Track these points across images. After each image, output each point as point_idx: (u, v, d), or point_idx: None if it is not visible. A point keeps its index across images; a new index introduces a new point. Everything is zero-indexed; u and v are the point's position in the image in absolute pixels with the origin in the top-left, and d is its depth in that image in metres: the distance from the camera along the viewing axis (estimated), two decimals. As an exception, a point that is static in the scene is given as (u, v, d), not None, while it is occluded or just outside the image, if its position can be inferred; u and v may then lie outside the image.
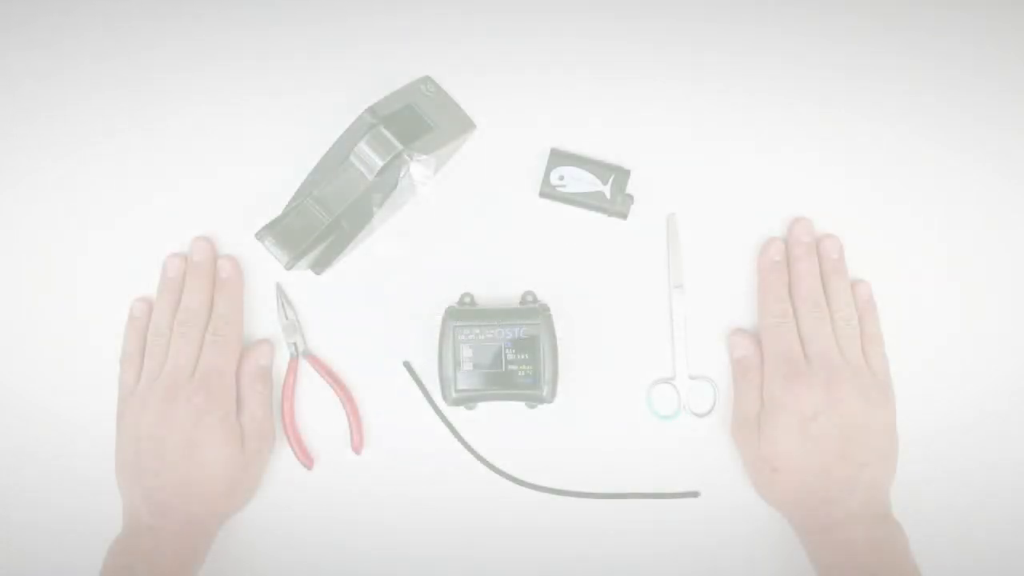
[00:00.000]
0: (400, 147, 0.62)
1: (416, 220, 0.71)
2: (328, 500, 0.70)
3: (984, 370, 0.70)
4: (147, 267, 0.70)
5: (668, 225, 0.71)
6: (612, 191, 0.69)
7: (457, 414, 0.70)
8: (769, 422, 0.66)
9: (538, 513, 0.70)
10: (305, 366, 0.71)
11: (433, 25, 0.71)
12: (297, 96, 0.71)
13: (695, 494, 0.70)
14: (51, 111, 0.72)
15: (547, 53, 0.71)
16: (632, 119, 0.71)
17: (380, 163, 0.62)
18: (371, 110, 0.64)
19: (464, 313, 0.68)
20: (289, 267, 0.63)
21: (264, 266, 0.71)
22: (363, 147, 0.62)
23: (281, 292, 0.71)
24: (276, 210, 0.65)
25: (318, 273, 0.70)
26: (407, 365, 0.71)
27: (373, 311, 0.71)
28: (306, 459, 0.70)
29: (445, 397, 0.67)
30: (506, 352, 0.67)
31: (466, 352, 0.67)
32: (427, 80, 0.69)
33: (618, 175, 0.69)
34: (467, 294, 0.69)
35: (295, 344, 0.70)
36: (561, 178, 0.69)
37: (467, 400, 0.67)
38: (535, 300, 0.69)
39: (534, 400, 0.67)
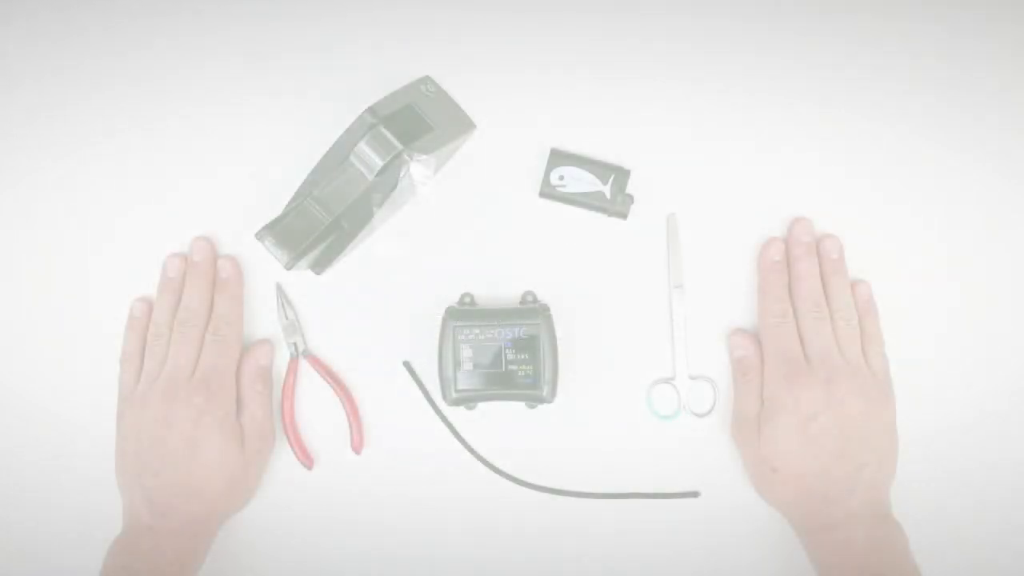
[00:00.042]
0: (400, 147, 0.62)
1: (416, 220, 0.71)
2: (328, 500, 0.70)
3: (984, 370, 0.70)
4: (147, 267, 0.70)
5: (668, 225, 0.71)
6: (612, 191, 0.69)
7: (457, 414, 0.70)
8: (769, 422, 0.66)
9: (538, 513, 0.70)
10: (305, 366, 0.71)
11: (433, 25, 0.71)
12: (297, 96, 0.71)
13: (695, 494, 0.70)
14: (51, 111, 0.72)
15: (547, 53, 0.71)
16: (632, 119, 0.71)
17: (380, 163, 0.62)
18: (371, 110, 0.64)
19: (464, 313, 0.68)
20: (289, 267, 0.63)
21: (264, 266, 0.71)
22: (363, 147, 0.62)
23: (281, 292, 0.71)
24: (276, 210, 0.65)
25: (318, 273, 0.70)
26: (407, 365, 0.71)
27: (373, 311, 0.71)
28: (306, 459, 0.70)
29: (445, 397, 0.67)
30: (506, 352, 0.67)
31: (466, 352, 0.67)
32: (427, 80, 0.69)
33: (618, 175, 0.69)
34: (467, 294, 0.69)
35: (295, 344, 0.70)
36: (561, 178, 0.69)
37: (467, 400, 0.67)
38: (535, 300, 0.69)
39: (534, 400, 0.67)
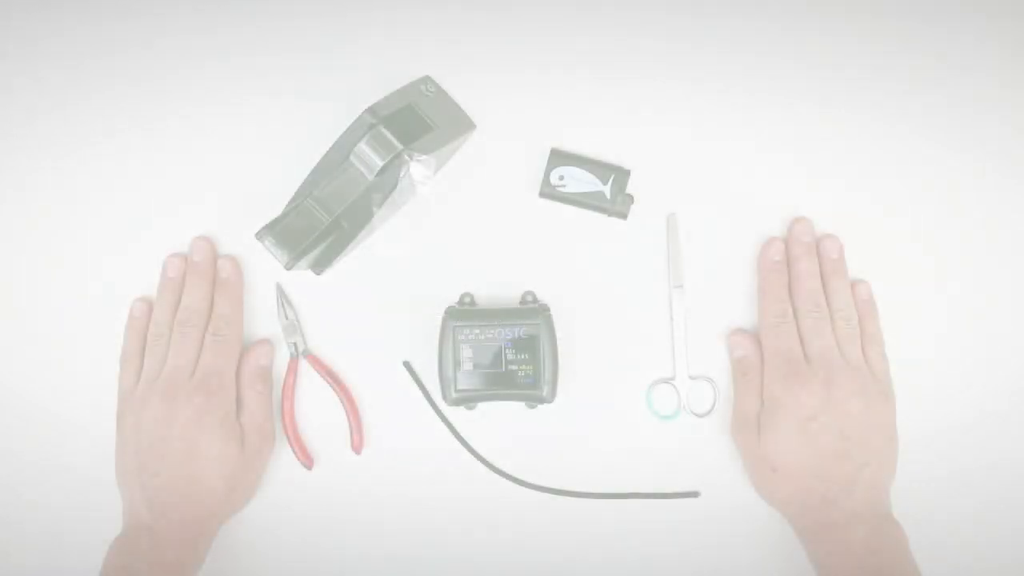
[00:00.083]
0: (400, 147, 0.62)
1: (416, 220, 0.71)
2: (328, 500, 0.70)
3: (984, 370, 0.70)
4: (147, 267, 0.70)
5: (668, 225, 0.71)
6: (612, 191, 0.69)
7: (457, 414, 0.70)
8: (769, 422, 0.66)
9: (538, 513, 0.70)
10: (305, 366, 0.71)
11: (433, 25, 0.71)
12: (297, 96, 0.71)
13: (695, 494, 0.70)
14: (51, 111, 0.72)
15: (547, 53, 0.71)
16: (632, 119, 0.71)
17: (380, 163, 0.62)
18: (371, 110, 0.64)
19: (464, 313, 0.68)
20: (289, 267, 0.63)
21: (264, 266, 0.71)
22: (363, 147, 0.62)
23: (281, 292, 0.71)
24: (276, 210, 0.65)
25: (318, 273, 0.70)
26: (407, 365, 0.71)
27: (373, 311, 0.71)
28: (306, 459, 0.70)
29: (445, 397, 0.67)
30: (506, 352, 0.67)
31: (466, 352, 0.67)
32: (427, 80, 0.69)
33: (618, 175, 0.69)
34: (467, 294, 0.69)
35: (295, 344, 0.70)
36: (561, 178, 0.69)
37: (467, 400, 0.67)
38: (535, 300, 0.69)
39: (534, 400, 0.67)
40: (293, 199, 0.67)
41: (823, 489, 0.64)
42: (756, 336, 0.69)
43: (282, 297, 0.71)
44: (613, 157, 0.70)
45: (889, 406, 0.66)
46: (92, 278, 0.71)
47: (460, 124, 0.70)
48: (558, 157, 0.70)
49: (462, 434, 0.70)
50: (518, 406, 0.69)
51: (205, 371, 0.67)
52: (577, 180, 0.69)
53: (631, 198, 0.70)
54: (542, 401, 0.67)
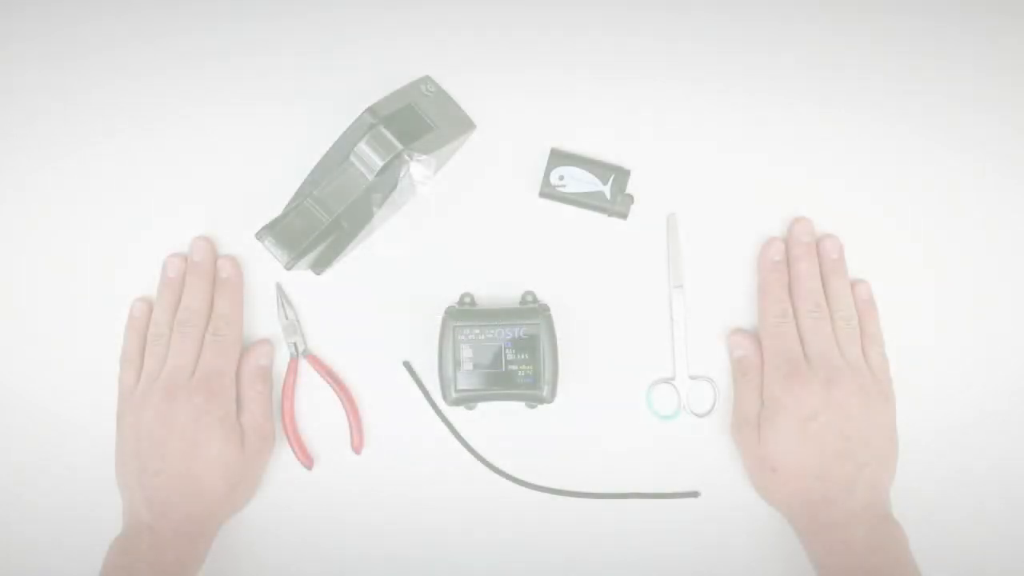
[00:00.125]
0: (400, 147, 0.62)
1: (416, 220, 0.71)
2: (328, 500, 0.70)
3: (984, 370, 0.70)
4: (147, 267, 0.70)
5: (668, 225, 0.71)
6: (612, 191, 0.69)
7: (457, 414, 0.70)
8: (769, 422, 0.66)
9: (538, 513, 0.70)
10: (305, 366, 0.71)
11: (433, 25, 0.71)
12: (297, 96, 0.71)
13: (695, 494, 0.70)
14: (51, 111, 0.72)
15: (547, 53, 0.71)
16: (632, 119, 0.71)
17: (380, 163, 0.62)
18: (371, 110, 0.64)
19: (464, 313, 0.68)
20: (289, 267, 0.63)
21: (264, 266, 0.71)
22: (363, 147, 0.62)
23: (281, 292, 0.71)
24: (276, 210, 0.65)
25: (318, 273, 0.70)
26: (407, 365, 0.71)
27: (373, 311, 0.71)
28: (306, 459, 0.70)
29: (445, 397, 0.67)
30: (506, 352, 0.67)
31: (466, 352, 0.67)
32: (427, 80, 0.69)
33: (618, 175, 0.69)
34: (467, 294, 0.69)
35: (295, 344, 0.70)
36: (561, 178, 0.69)
37: (467, 400, 0.67)
38: (535, 300, 0.69)
39: (534, 400, 0.67)
40: (293, 199, 0.67)
41: (823, 489, 0.64)
42: (756, 336, 0.69)
43: (282, 297, 0.71)
44: (613, 157, 0.70)
45: (889, 406, 0.67)
46: (92, 278, 0.71)
47: (460, 124, 0.70)
48: (558, 157, 0.70)
49: (462, 434, 0.70)
50: (518, 406, 0.69)
51: (205, 371, 0.67)
52: (577, 180, 0.69)
53: (631, 198, 0.70)
54: (542, 401, 0.67)
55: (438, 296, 0.69)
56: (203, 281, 0.69)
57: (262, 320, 0.71)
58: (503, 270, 0.71)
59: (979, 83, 0.71)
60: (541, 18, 0.71)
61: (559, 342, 0.67)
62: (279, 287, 0.71)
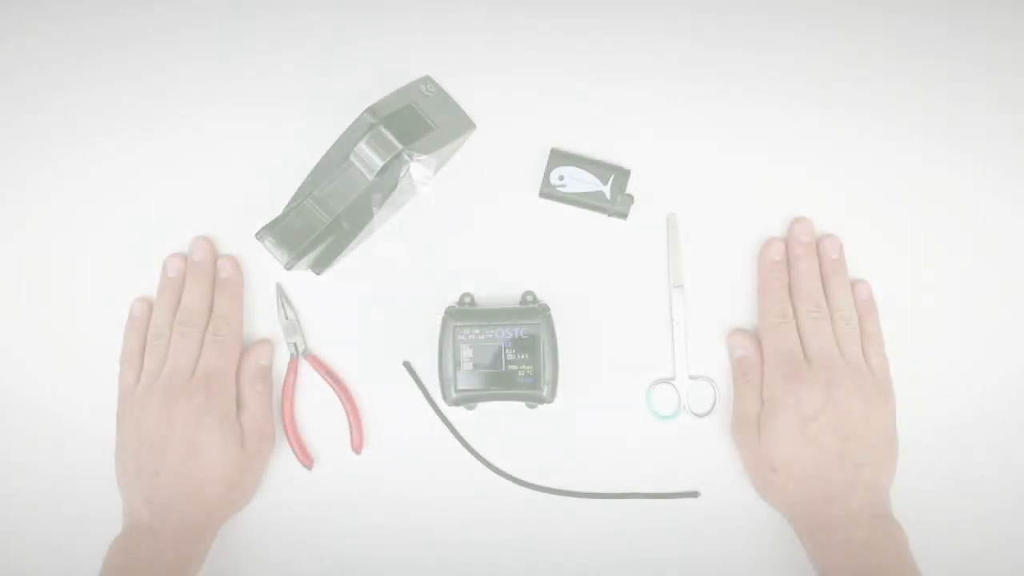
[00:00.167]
0: (400, 147, 0.62)
1: (416, 220, 0.71)
2: (328, 500, 0.70)
3: (984, 370, 0.70)
4: (147, 267, 0.70)
5: (668, 225, 0.71)
6: (612, 191, 0.69)
7: (457, 414, 0.70)
8: (769, 422, 0.66)
9: (538, 513, 0.70)
10: (305, 366, 0.71)
11: (433, 25, 0.71)
12: (297, 96, 0.71)
13: (695, 494, 0.70)
14: (51, 111, 0.72)
15: (547, 53, 0.71)
16: (632, 119, 0.71)
17: (380, 163, 0.62)
18: (371, 110, 0.64)
19: (464, 313, 0.68)
20: (289, 267, 0.63)
21: (264, 266, 0.71)
22: (363, 147, 0.62)
23: (281, 292, 0.71)
24: (276, 210, 0.65)
25: (318, 273, 0.70)
26: (407, 365, 0.71)
27: (373, 311, 0.71)
28: (306, 459, 0.70)
29: (445, 397, 0.67)
30: (506, 352, 0.67)
31: (466, 352, 0.67)
32: (427, 80, 0.69)
33: (618, 175, 0.69)
34: (467, 294, 0.69)
35: (295, 344, 0.70)
36: (561, 178, 0.69)
37: (467, 400, 0.67)
38: (535, 300, 0.69)
39: (534, 400, 0.67)
40: (293, 199, 0.67)
41: (823, 489, 0.64)
42: (756, 336, 0.69)
43: (282, 297, 0.71)
44: (613, 157, 0.70)
45: (889, 406, 0.66)
46: (92, 278, 0.71)
47: (460, 124, 0.70)
48: (558, 157, 0.70)
49: (462, 434, 0.70)
50: (518, 406, 0.69)
51: (205, 371, 0.67)
52: (577, 180, 0.69)
53: (631, 198, 0.70)
54: (542, 401, 0.67)
55: (438, 296, 0.69)
56: (203, 281, 0.69)
57: (262, 320, 0.71)
58: (503, 270, 0.71)
59: (979, 83, 0.71)
60: (541, 18, 0.71)
61: (559, 342, 0.67)
62: (279, 287, 0.71)
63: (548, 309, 0.68)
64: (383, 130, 0.62)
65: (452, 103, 0.70)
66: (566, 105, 0.71)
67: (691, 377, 0.70)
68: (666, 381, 0.70)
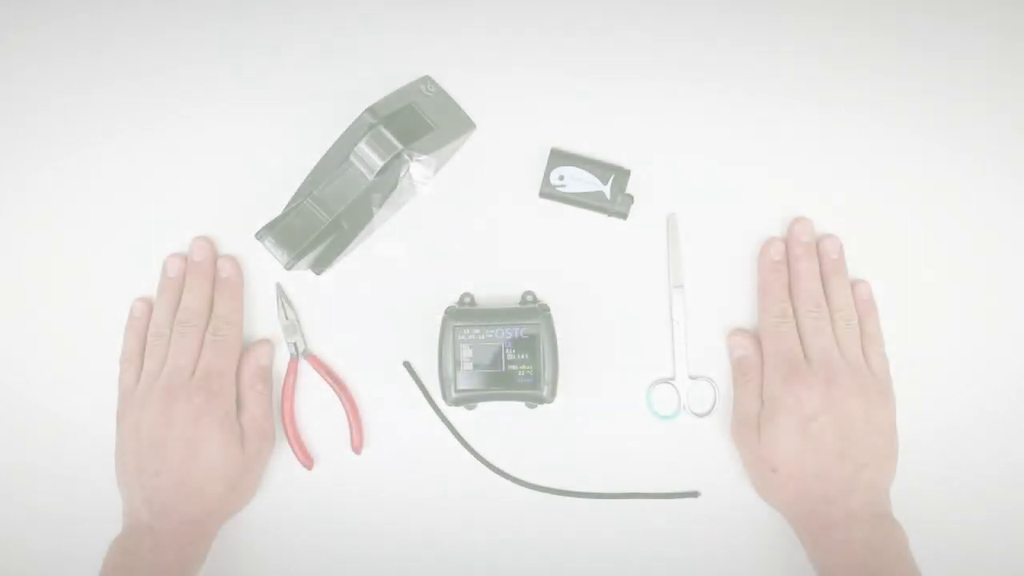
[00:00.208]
0: (400, 147, 0.62)
1: (416, 220, 0.71)
2: (328, 500, 0.70)
3: (984, 370, 0.70)
4: (147, 267, 0.70)
5: (668, 225, 0.71)
6: (612, 191, 0.69)
7: (457, 414, 0.70)
8: (769, 422, 0.66)
9: (538, 513, 0.70)
10: (305, 366, 0.71)
11: (433, 25, 0.71)
12: (297, 96, 0.71)
13: (695, 494, 0.70)
14: (51, 111, 0.72)
15: (548, 53, 0.71)
16: (632, 119, 0.71)
17: (380, 163, 0.62)
18: (371, 110, 0.64)
19: (464, 313, 0.68)
20: (289, 267, 0.63)
21: (264, 266, 0.71)
22: (363, 147, 0.62)
23: (281, 292, 0.71)
24: (276, 210, 0.65)
25: (318, 273, 0.70)
26: (407, 365, 0.71)
27: (373, 311, 0.71)
28: (306, 459, 0.70)
29: (445, 397, 0.67)
30: (506, 352, 0.67)
31: (466, 352, 0.67)
32: (427, 80, 0.69)
33: (618, 175, 0.69)
34: (467, 294, 0.69)
35: (295, 344, 0.70)
36: (561, 178, 0.69)
37: (467, 400, 0.67)
38: (535, 300, 0.69)
39: (534, 400, 0.67)
40: (293, 199, 0.67)
41: (823, 489, 0.64)
42: (756, 336, 0.69)
43: (282, 297, 0.71)
44: (613, 157, 0.70)
45: (889, 406, 0.66)
46: (92, 278, 0.71)
47: (460, 124, 0.70)
48: (558, 157, 0.70)
49: (462, 434, 0.70)
50: (518, 406, 0.69)
51: (205, 371, 0.67)
52: (577, 180, 0.69)
53: (631, 198, 0.70)
54: (542, 401, 0.67)
55: (438, 296, 0.69)
56: (203, 281, 0.69)
57: (262, 320, 0.71)
58: (503, 270, 0.71)
59: (979, 83, 0.71)
60: (541, 18, 0.71)
61: (559, 342, 0.67)
62: (279, 287, 0.71)
63: (548, 309, 0.68)
64: (383, 130, 0.62)
65: (452, 103, 0.70)
66: (566, 105, 0.71)
67: (691, 377, 0.70)
68: (666, 381, 0.70)
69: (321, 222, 0.63)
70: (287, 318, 0.71)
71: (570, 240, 0.71)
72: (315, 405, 0.71)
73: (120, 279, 0.71)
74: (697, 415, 0.70)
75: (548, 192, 0.70)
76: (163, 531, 0.64)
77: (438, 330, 0.67)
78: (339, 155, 0.65)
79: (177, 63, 0.72)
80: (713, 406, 0.70)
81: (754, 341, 0.69)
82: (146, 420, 0.65)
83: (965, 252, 0.70)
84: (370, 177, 0.62)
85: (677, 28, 0.71)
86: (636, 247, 0.71)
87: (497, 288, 0.70)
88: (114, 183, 0.71)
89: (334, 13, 0.72)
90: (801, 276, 0.68)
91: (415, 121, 0.66)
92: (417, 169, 0.64)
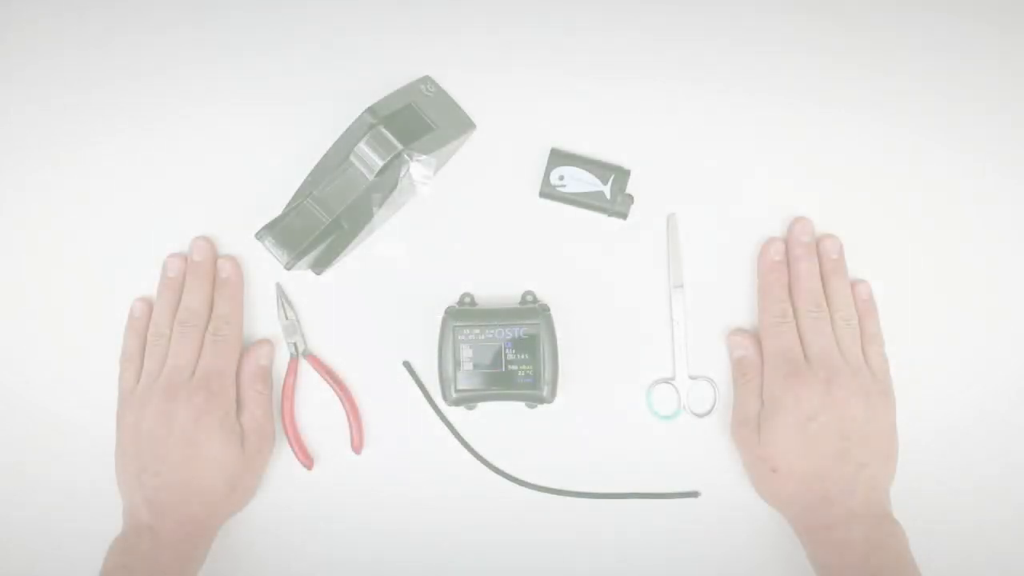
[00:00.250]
0: (400, 147, 0.62)
1: (416, 220, 0.71)
2: (328, 500, 0.70)
3: (984, 370, 0.70)
4: (147, 267, 0.70)
5: (668, 225, 0.71)
6: (612, 191, 0.69)
7: (457, 414, 0.70)
8: (769, 422, 0.66)
9: (538, 513, 0.70)
10: (305, 366, 0.71)
11: (433, 25, 0.71)
12: (297, 96, 0.71)
13: (695, 494, 0.70)
14: (51, 111, 0.72)
15: (547, 53, 0.71)
16: (632, 119, 0.71)
17: (380, 163, 0.62)
18: (371, 110, 0.64)
19: (464, 313, 0.68)
20: (289, 267, 0.63)
21: (264, 266, 0.71)
22: (363, 147, 0.62)
23: (281, 292, 0.71)
24: (276, 210, 0.65)
25: (318, 273, 0.70)
26: (407, 365, 0.71)
27: (373, 311, 0.71)
28: (306, 459, 0.70)
29: (445, 397, 0.67)
30: (506, 352, 0.67)
31: (466, 352, 0.67)
32: (427, 80, 0.69)
33: (618, 175, 0.69)
34: (467, 294, 0.69)
35: (295, 344, 0.70)
36: (561, 178, 0.69)
37: (467, 400, 0.67)
38: (535, 300, 0.69)
39: (534, 400, 0.67)
40: (293, 199, 0.67)
41: (823, 489, 0.64)
42: (756, 336, 0.69)
43: (282, 297, 0.71)
44: (613, 157, 0.70)
45: (889, 406, 0.66)
46: (92, 278, 0.71)
47: (460, 124, 0.70)
48: (558, 157, 0.70)
49: (462, 434, 0.70)
50: (518, 406, 0.69)
51: (205, 371, 0.67)
52: (577, 180, 0.69)
53: (631, 198, 0.70)
54: (542, 401, 0.67)
55: (438, 296, 0.69)
56: (203, 281, 0.69)
57: (262, 320, 0.71)
58: (503, 270, 0.71)
59: (979, 83, 0.71)
60: (541, 18, 0.71)
61: (559, 342, 0.67)
62: (279, 287, 0.71)
63: (548, 309, 0.68)
64: (383, 130, 0.62)
65: (452, 103, 0.70)
66: (566, 105, 0.71)
67: (691, 377, 0.70)
68: (666, 381, 0.70)
69: (321, 222, 0.63)
70: (287, 318, 0.71)
71: (570, 240, 0.71)
72: (315, 405, 0.71)
73: (120, 279, 0.71)
74: (697, 415, 0.70)
75: (548, 192, 0.70)
76: (163, 531, 0.64)
77: (438, 330, 0.67)
78: (339, 155, 0.65)
79: (177, 63, 0.72)
80: (713, 406, 0.70)
81: (754, 341, 0.69)
82: (146, 420, 0.65)
83: (965, 252, 0.70)
84: (370, 177, 0.62)
85: (677, 28, 0.71)
86: (636, 247, 0.71)
87: (497, 288, 0.70)
88: (114, 183, 0.71)
89: (334, 13, 0.72)
90: (801, 276, 0.68)
91: (415, 121, 0.66)
92: (417, 169, 0.64)
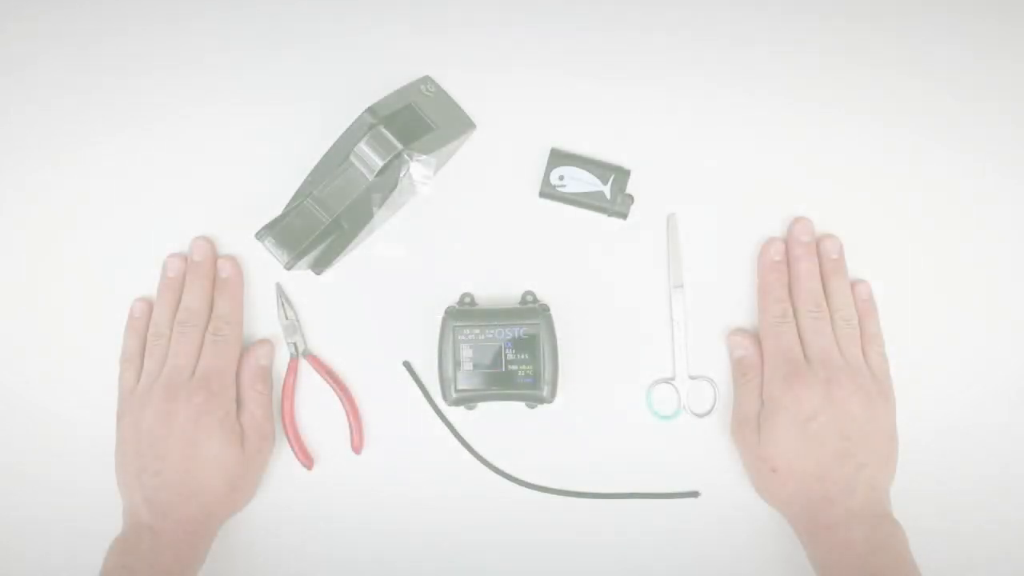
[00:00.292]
0: (400, 147, 0.62)
1: (416, 220, 0.71)
2: (328, 500, 0.70)
3: (984, 370, 0.70)
4: (147, 267, 0.70)
5: (668, 225, 0.71)
6: (612, 191, 0.69)
7: (457, 414, 0.70)
8: (769, 422, 0.66)
9: (538, 513, 0.70)
10: (305, 366, 0.71)
11: (433, 25, 0.71)
12: (297, 96, 0.71)
13: (695, 494, 0.70)
14: (51, 111, 0.72)
15: (547, 53, 0.71)
16: (632, 119, 0.71)
17: (380, 163, 0.62)
18: (371, 110, 0.64)
19: (464, 313, 0.68)
20: (289, 267, 0.63)
21: (264, 266, 0.71)
22: (363, 147, 0.62)
23: (281, 292, 0.71)
24: (276, 210, 0.65)
25: (318, 273, 0.70)
26: (407, 365, 0.71)
27: (373, 311, 0.71)
28: (306, 459, 0.70)
29: (445, 397, 0.67)
30: (506, 352, 0.67)
31: (466, 352, 0.67)
32: (427, 80, 0.69)
33: (618, 175, 0.69)
34: (467, 294, 0.69)
35: (295, 344, 0.70)
36: (561, 178, 0.69)
37: (467, 400, 0.67)
38: (535, 300, 0.69)
39: (534, 400, 0.67)
40: (293, 199, 0.67)
41: (823, 489, 0.64)
42: (756, 336, 0.69)
43: (282, 297, 0.71)
44: (613, 157, 0.70)
45: (889, 406, 0.66)
46: (92, 278, 0.71)
47: (460, 124, 0.70)
48: (558, 157, 0.70)
49: (462, 434, 0.70)
50: (518, 406, 0.69)
51: (205, 371, 0.67)
52: (577, 180, 0.69)
53: (631, 198, 0.70)
54: (542, 401, 0.67)
55: (438, 296, 0.69)
56: (203, 281, 0.69)
57: (262, 320, 0.71)
58: (503, 270, 0.71)
59: (980, 83, 0.71)
60: (541, 18, 0.71)
61: (559, 342, 0.67)
62: (279, 287, 0.71)
63: (548, 309, 0.68)
64: (383, 130, 0.62)
65: (452, 103, 0.70)
66: (566, 105, 0.71)
67: (691, 377, 0.70)
68: (666, 381, 0.70)
69: (321, 222, 0.63)
70: (287, 318, 0.71)
71: (570, 240, 0.71)
72: (315, 405, 0.71)
73: (120, 279, 0.71)
74: (697, 415, 0.70)
75: (548, 192, 0.70)
76: (163, 531, 0.64)
77: (438, 330, 0.67)
78: (339, 155, 0.65)
79: (177, 63, 0.72)
80: (713, 406, 0.70)
81: (754, 341, 0.69)
82: (146, 420, 0.66)
83: (965, 252, 0.70)
84: (370, 177, 0.62)
85: (677, 28, 0.71)
86: (636, 247, 0.71)
87: (497, 288, 0.70)
88: (114, 183, 0.71)
89: (334, 13, 0.72)
90: (801, 276, 0.68)
91: (415, 121, 0.66)
92: (417, 169, 0.64)
